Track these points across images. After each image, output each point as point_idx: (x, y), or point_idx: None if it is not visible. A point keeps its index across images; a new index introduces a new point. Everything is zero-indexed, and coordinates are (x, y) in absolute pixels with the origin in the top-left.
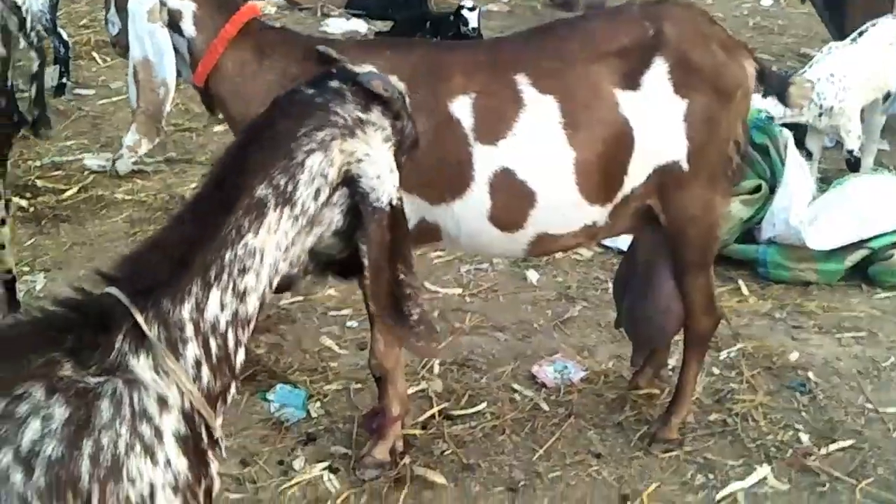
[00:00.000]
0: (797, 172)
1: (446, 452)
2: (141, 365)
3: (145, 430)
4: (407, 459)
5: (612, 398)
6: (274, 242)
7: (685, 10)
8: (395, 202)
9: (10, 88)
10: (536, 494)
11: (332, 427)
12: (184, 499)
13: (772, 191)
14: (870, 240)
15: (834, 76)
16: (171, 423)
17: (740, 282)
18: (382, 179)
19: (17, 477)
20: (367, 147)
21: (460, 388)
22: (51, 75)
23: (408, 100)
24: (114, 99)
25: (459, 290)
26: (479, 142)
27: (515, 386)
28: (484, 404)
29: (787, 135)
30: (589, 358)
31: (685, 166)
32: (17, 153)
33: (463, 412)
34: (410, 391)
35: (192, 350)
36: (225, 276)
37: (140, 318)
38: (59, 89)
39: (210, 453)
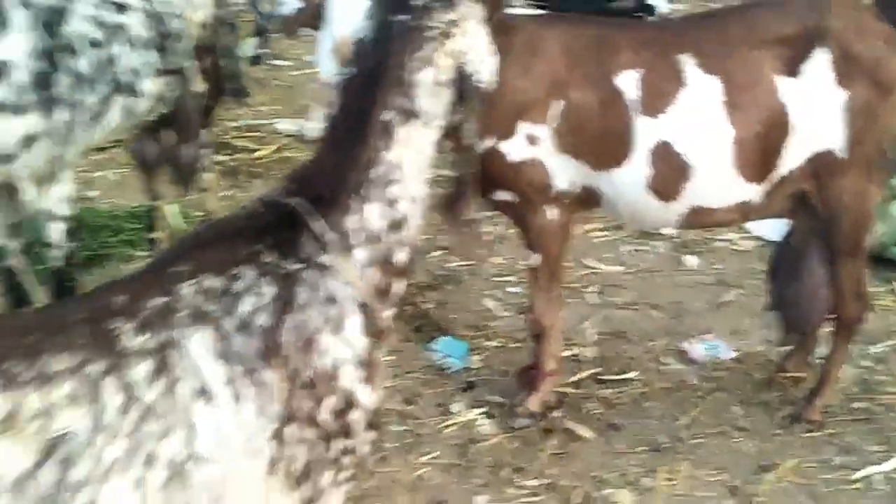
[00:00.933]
0: None
1: (594, 412)
2: (327, 261)
3: (333, 312)
4: (557, 413)
5: (759, 378)
6: (409, 152)
7: (849, 4)
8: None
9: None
10: (677, 457)
11: (490, 378)
12: (360, 372)
13: None
14: None
15: None
16: (350, 309)
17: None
18: (483, 61)
19: (238, 340)
20: (464, 40)
21: (612, 356)
22: (252, 45)
23: None
24: (306, 71)
25: (619, 268)
26: (641, 114)
27: (665, 359)
28: (634, 373)
29: None
30: (740, 340)
31: (842, 155)
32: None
33: (613, 377)
34: (564, 355)
35: (359, 253)
36: (376, 190)
37: (319, 224)
38: (256, 59)
39: (380, 338)
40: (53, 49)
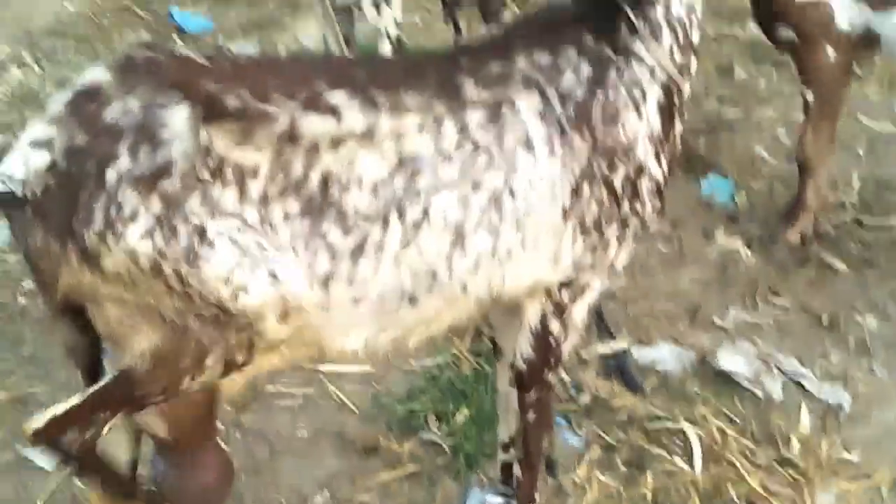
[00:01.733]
0: None
1: (852, 250)
2: (637, 47)
3: (636, 93)
4: (815, 246)
5: None
6: None
7: None
8: None
9: None
10: None
11: (753, 214)
12: (654, 147)
13: None
14: None
15: None
16: (654, 91)
17: None
18: None
19: (557, 107)
20: None
21: (875, 203)
22: None
23: None
24: None
25: (891, 126)
26: None
27: None
28: (894, 219)
29: None
30: None
31: None
32: None
33: (872, 222)
34: (829, 198)
35: (667, 38)
36: None
37: (633, 15)
38: None
39: (677, 118)
40: None
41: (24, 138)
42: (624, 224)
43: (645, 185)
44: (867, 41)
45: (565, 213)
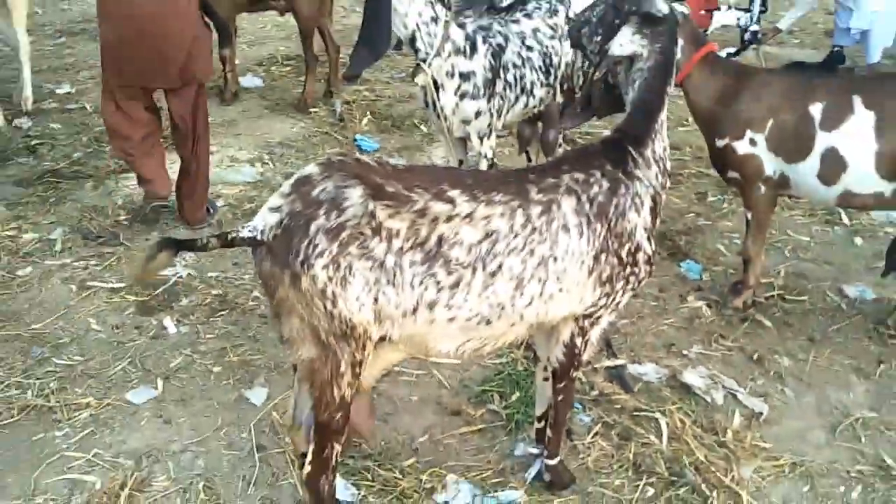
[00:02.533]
0: None
1: (776, 314)
2: (637, 172)
3: (637, 200)
4: (751, 310)
5: (883, 313)
6: (664, 115)
7: None
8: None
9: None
10: (822, 347)
11: (713, 287)
12: (646, 233)
13: None
14: None
15: None
16: (647, 198)
17: None
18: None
19: (586, 206)
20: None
21: (793, 286)
22: None
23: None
24: None
25: (807, 238)
26: (821, 129)
27: (829, 293)
28: (806, 297)
29: None
30: (881, 289)
31: None
32: None
33: (791, 297)
34: (763, 280)
35: (654, 167)
36: (658, 133)
37: (634, 153)
38: None
39: (658, 216)
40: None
41: (265, 206)
42: (627, 280)
43: (640, 257)
44: (783, 181)
45: (588, 272)
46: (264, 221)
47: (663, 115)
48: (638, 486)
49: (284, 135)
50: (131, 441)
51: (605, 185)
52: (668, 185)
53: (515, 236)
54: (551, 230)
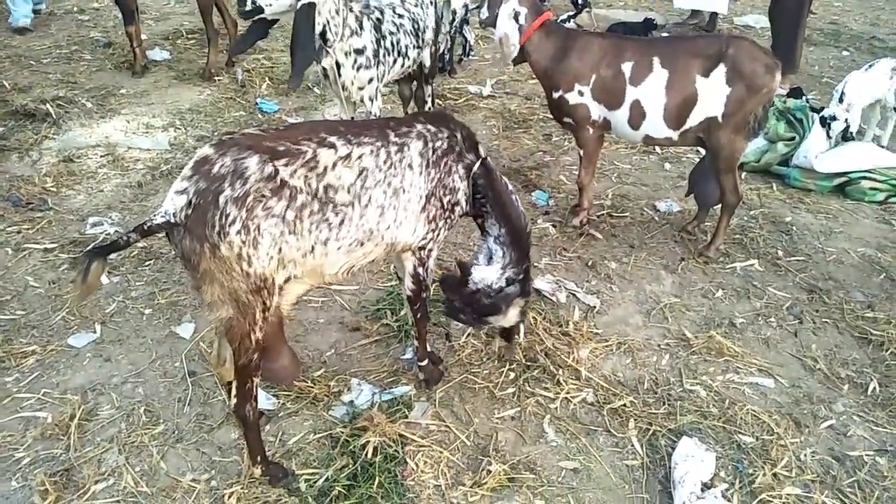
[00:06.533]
0: (817, 132)
1: (605, 228)
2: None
3: (461, 169)
4: (587, 226)
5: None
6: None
7: (746, 41)
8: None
9: (441, 51)
10: (640, 252)
11: (557, 211)
12: (463, 196)
13: (801, 140)
14: (848, 172)
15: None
16: (462, 167)
17: (773, 185)
18: None
19: (428, 152)
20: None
21: (619, 204)
22: (461, 51)
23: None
24: (486, 60)
25: (629, 166)
26: (630, 84)
27: (645, 209)
28: (628, 213)
29: (814, 115)
30: (683, 203)
31: (720, 119)
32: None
33: (617, 214)
34: (594, 202)
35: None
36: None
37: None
38: (460, 60)
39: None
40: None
41: (170, 190)
42: (445, 217)
43: (457, 210)
44: (606, 124)
45: (421, 206)
46: (174, 205)
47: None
48: (502, 372)
49: (193, 102)
50: (76, 379)
51: (446, 144)
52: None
53: (379, 171)
54: (402, 166)
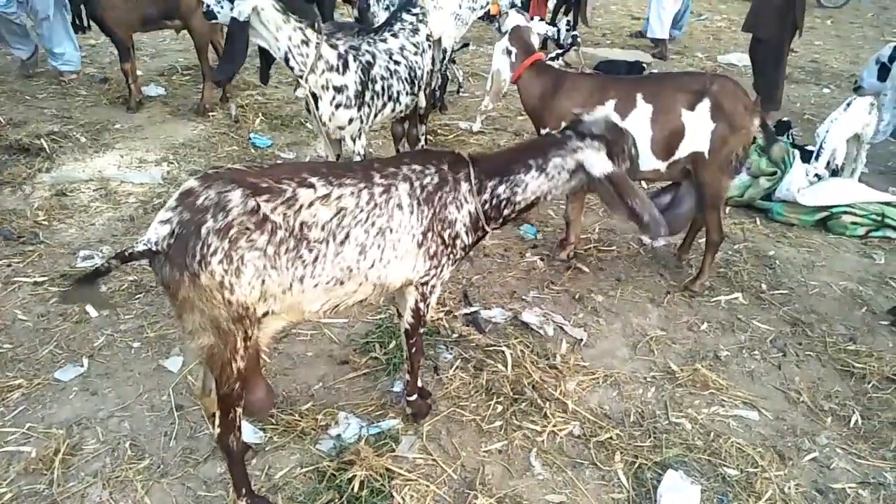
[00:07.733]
0: (798, 168)
1: (592, 262)
2: (465, 190)
3: (459, 201)
4: (573, 260)
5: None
6: (534, 182)
7: (729, 81)
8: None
9: (433, 87)
10: (626, 285)
11: (545, 244)
12: (463, 228)
13: (783, 175)
14: (830, 207)
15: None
16: (468, 206)
17: (757, 219)
18: (595, 165)
19: (417, 192)
20: (584, 155)
21: (606, 239)
22: (453, 84)
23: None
24: (477, 96)
25: None
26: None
27: (632, 243)
28: (615, 247)
29: (795, 151)
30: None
31: (707, 156)
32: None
33: (604, 248)
34: (582, 236)
35: (485, 196)
36: (510, 182)
37: (474, 173)
38: (452, 93)
39: (481, 233)
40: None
41: (155, 220)
42: (449, 254)
43: (458, 243)
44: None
45: (418, 245)
46: (157, 234)
47: (530, 179)
48: (490, 405)
49: (187, 136)
50: (62, 413)
51: (436, 180)
52: (499, 220)
53: (360, 210)
54: (389, 206)
